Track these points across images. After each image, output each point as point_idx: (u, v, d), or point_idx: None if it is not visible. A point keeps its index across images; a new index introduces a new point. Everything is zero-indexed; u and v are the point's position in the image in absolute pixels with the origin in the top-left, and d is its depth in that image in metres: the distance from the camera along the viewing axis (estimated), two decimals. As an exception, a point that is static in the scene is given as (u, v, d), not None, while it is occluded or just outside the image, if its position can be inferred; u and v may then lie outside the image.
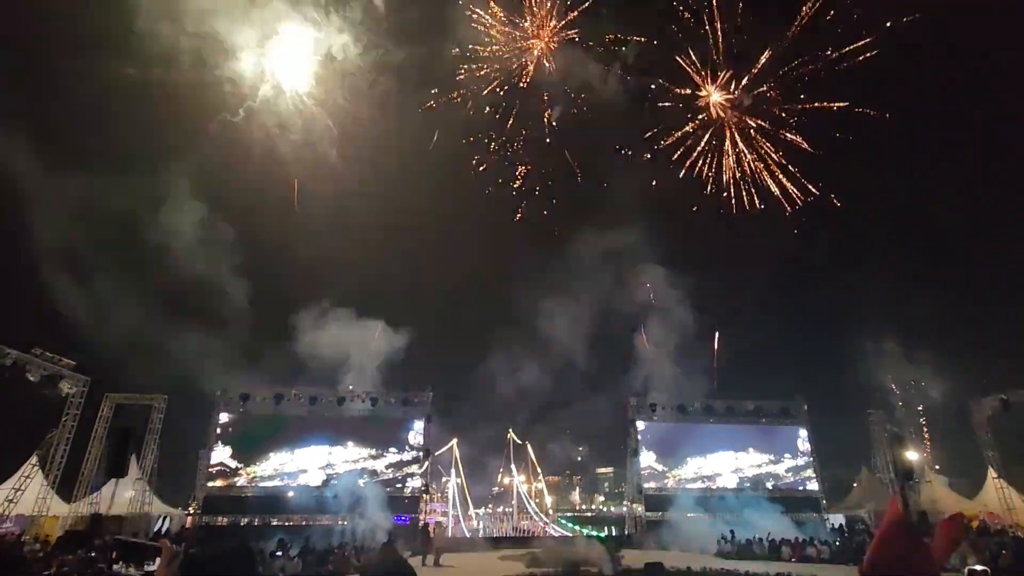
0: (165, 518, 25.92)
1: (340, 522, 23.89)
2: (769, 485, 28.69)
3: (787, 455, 29.53)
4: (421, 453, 26.71)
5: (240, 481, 25.04)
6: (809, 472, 29.24)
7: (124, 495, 24.20)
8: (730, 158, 33.94)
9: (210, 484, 24.61)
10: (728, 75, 32.10)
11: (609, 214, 37.04)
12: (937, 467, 32.02)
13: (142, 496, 25.25)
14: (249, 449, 25.46)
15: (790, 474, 29.22)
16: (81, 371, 24.57)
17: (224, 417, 25.62)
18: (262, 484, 25.20)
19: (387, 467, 26.00)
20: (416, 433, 26.92)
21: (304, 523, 24.35)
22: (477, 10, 31.05)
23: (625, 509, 31.22)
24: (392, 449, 26.39)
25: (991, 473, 26.59)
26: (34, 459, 23.26)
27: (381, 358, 27.96)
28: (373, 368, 27.64)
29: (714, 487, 28.45)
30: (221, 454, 25.11)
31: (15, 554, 15.82)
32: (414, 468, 26.28)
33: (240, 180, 33.10)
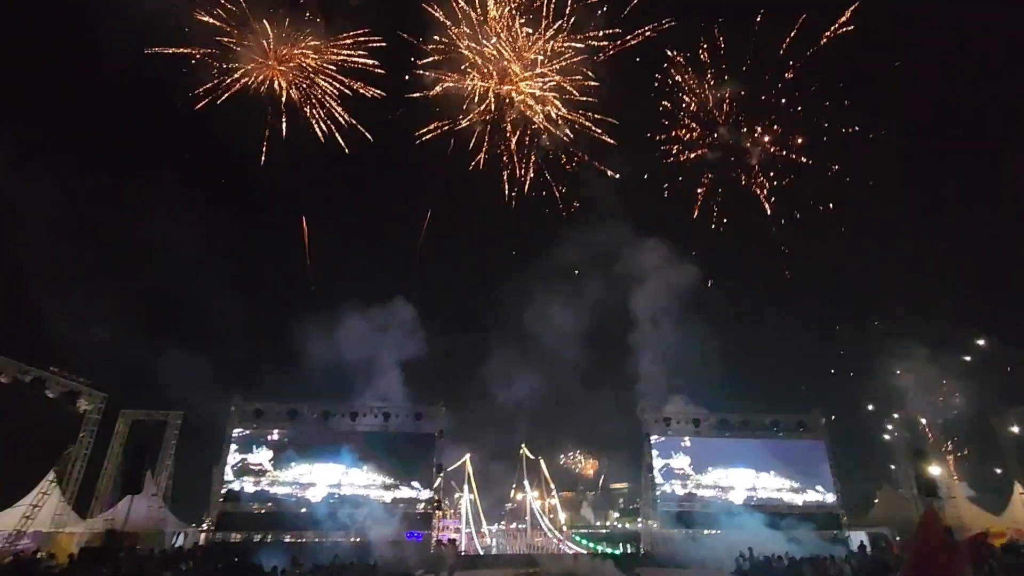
0: (179, 534, 25.95)
1: (353, 539, 23.81)
2: (784, 510, 26.98)
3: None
4: (434, 481, 26.26)
5: (264, 482, 25.41)
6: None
7: (139, 511, 24.29)
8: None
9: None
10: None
11: (613, 219, 37.20)
12: (961, 482, 31.05)
13: (157, 512, 25.34)
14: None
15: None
16: (98, 388, 24.92)
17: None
18: (279, 492, 25.37)
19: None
20: (436, 466, 26.44)
21: (317, 540, 24.28)
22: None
23: (640, 525, 30.68)
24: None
25: (1017, 488, 25.84)
26: (52, 475, 23.50)
27: (394, 371, 28.06)
28: (386, 382, 27.71)
29: (723, 498, 27.50)
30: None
31: (32, 571, 15.96)
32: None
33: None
